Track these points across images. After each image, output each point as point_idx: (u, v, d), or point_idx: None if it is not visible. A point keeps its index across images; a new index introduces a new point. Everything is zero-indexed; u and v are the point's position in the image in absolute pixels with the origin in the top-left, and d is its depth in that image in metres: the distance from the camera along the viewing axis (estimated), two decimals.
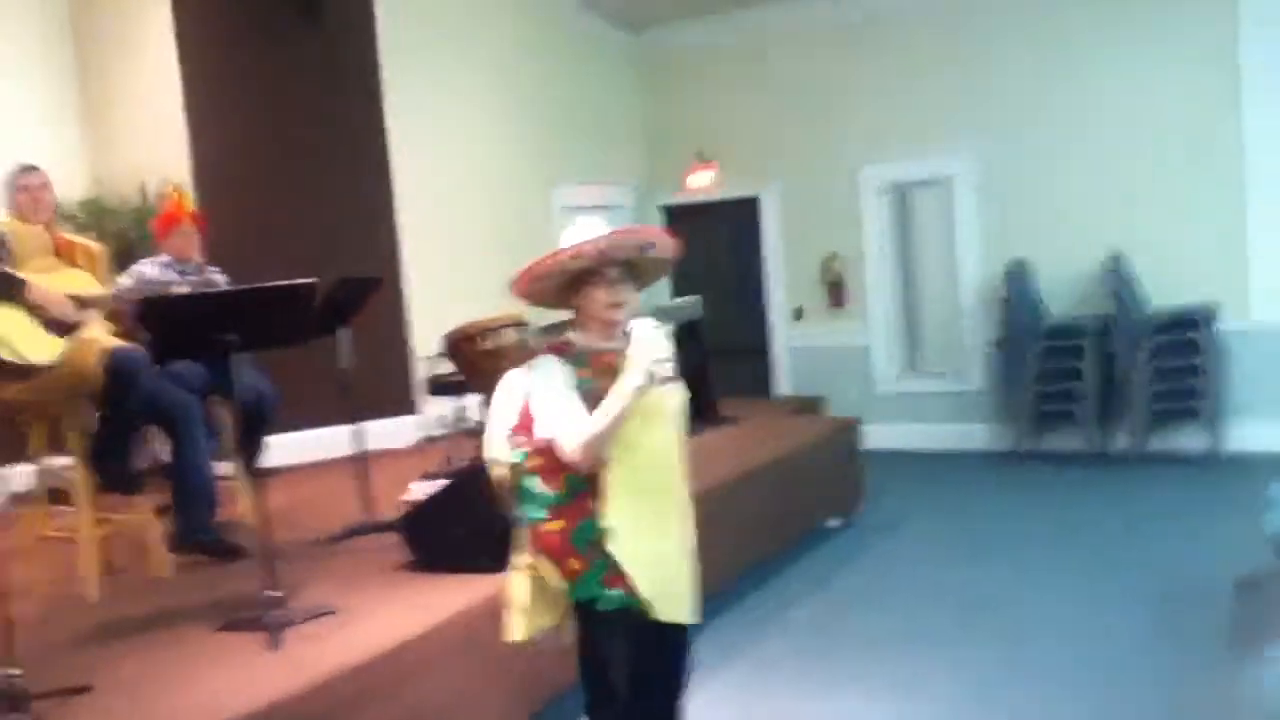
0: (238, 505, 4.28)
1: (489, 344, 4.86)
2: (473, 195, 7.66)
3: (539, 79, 8.32)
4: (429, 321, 6.86)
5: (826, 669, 4.20)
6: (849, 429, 6.62)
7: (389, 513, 4.29)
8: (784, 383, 9.16)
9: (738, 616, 4.87)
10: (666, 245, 2.55)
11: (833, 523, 6.33)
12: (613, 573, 2.38)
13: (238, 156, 6.17)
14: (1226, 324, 7.20)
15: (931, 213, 8.56)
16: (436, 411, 7.11)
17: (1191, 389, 7.22)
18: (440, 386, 6.06)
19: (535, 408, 2.44)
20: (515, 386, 2.53)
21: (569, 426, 2.37)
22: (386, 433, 6.29)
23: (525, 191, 8.13)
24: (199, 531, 3.77)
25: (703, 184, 9.21)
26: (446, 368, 5.82)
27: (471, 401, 6.19)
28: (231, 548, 3.86)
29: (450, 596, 3.34)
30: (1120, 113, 7.60)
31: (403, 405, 6.92)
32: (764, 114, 8.93)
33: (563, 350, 2.48)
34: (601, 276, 2.41)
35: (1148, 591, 4.76)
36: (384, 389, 6.51)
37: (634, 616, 2.41)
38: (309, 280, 3.26)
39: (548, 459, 2.40)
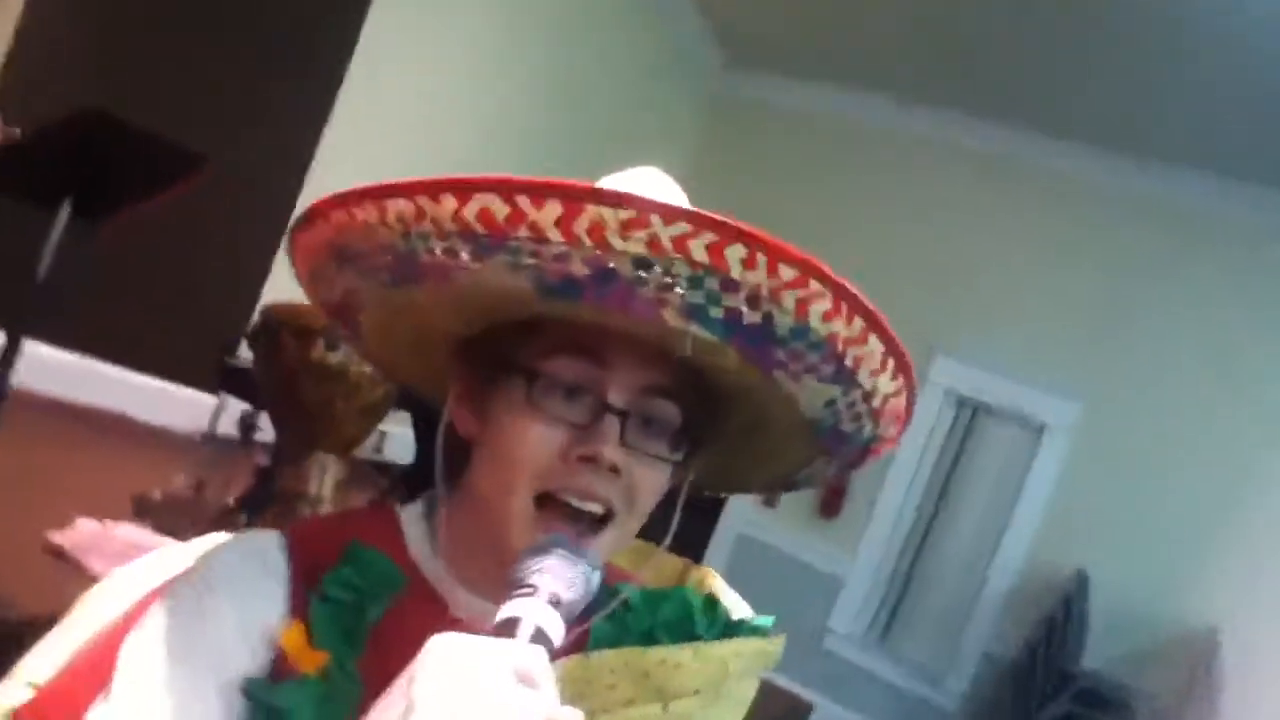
0: None
1: (337, 357, 2.47)
2: None
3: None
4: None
5: None
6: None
7: None
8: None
9: None
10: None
11: None
12: None
13: None
14: None
15: (997, 455, 6.27)
16: (240, 404, 4.69)
17: None
18: (233, 379, 3.74)
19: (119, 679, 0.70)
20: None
21: None
22: (157, 400, 4.34)
23: None
24: None
25: None
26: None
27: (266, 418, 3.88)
28: None
29: None
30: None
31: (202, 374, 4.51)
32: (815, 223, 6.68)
33: (315, 551, 0.77)
34: (591, 359, 0.77)
35: None
36: (195, 334, 4.25)
37: None
38: None
39: None
